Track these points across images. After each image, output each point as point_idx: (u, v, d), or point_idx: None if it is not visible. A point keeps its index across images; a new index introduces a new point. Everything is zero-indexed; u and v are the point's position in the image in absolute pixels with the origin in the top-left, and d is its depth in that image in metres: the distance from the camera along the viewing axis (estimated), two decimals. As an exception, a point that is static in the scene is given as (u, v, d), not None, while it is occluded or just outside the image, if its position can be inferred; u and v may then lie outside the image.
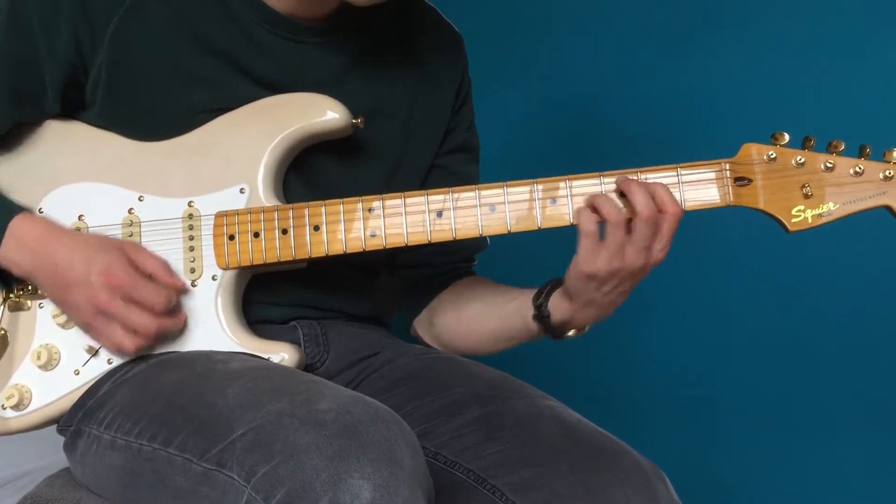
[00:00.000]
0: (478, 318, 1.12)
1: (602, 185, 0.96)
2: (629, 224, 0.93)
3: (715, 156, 0.97)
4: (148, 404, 0.92)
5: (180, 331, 0.99)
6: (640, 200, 0.92)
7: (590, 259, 0.93)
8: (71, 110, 1.05)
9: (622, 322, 1.72)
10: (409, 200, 0.99)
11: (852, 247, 1.42)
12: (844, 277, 1.47)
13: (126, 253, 0.97)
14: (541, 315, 1.02)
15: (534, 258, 1.68)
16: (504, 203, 0.97)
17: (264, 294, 1.05)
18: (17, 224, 0.97)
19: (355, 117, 1.03)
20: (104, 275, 0.94)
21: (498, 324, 1.09)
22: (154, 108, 1.03)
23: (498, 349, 1.13)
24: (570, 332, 1.04)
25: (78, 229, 1.02)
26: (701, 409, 1.64)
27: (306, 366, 1.06)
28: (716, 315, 1.62)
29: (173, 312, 0.98)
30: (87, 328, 0.98)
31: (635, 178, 0.95)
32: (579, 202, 0.96)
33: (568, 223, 0.97)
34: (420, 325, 1.20)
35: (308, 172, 1.06)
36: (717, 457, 1.63)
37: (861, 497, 1.48)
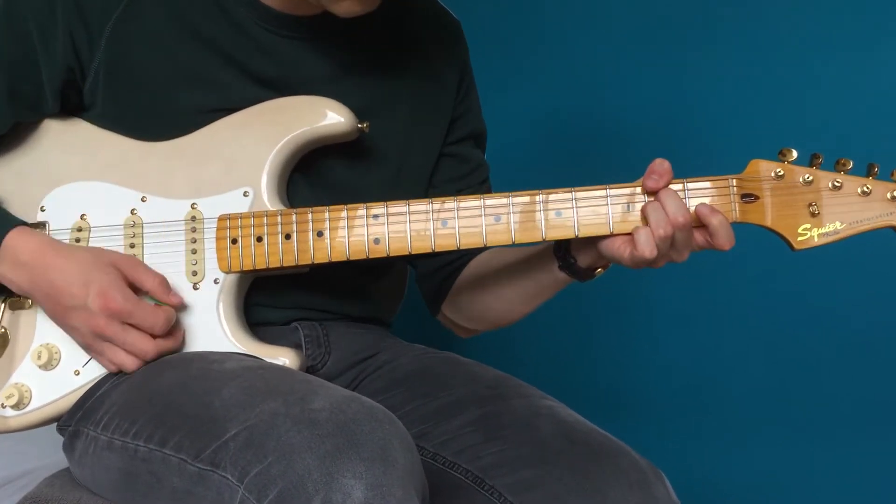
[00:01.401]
0: (503, 282, 1.13)
1: (608, 197, 0.96)
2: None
3: (723, 170, 0.96)
4: (144, 405, 0.92)
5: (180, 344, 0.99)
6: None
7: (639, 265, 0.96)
8: (71, 111, 1.05)
9: (622, 323, 1.73)
10: (413, 207, 0.98)
11: (855, 261, 1.42)
12: (846, 289, 1.47)
13: (123, 272, 0.96)
14: (567, 264, 1.03)
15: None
16: (509, 213, 0.97)
17: (266, 296, 1.05)
18: (12, 240, 0.97)
19: (361, 122, 1.02)
20: (101, 298, 0.93)
21: (524, 282, 1.10)
22: (154, 109, 1.02)
23: (528, 308, 1.13)
24: (598, 271, 1.05)
25: (80, 229, 1.02)
26: (700, 410, 1.64)
27: (308, 367, 1.06)
28: (715, 318, 1.62)
29: (172, 331, 0.97)
30: (87, 349, 0.98)
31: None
32: (584, 214, 0.96)
33: (573, 235, 0.96)
34: (448, 309, 1.21)
35: (314, 174, 1.06)
36: (715, 457, 1.63)
37: (861, 497, 1.49)
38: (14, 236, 0.97)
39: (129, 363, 0.96)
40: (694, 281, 1.63)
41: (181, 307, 0.99)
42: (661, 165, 0.95)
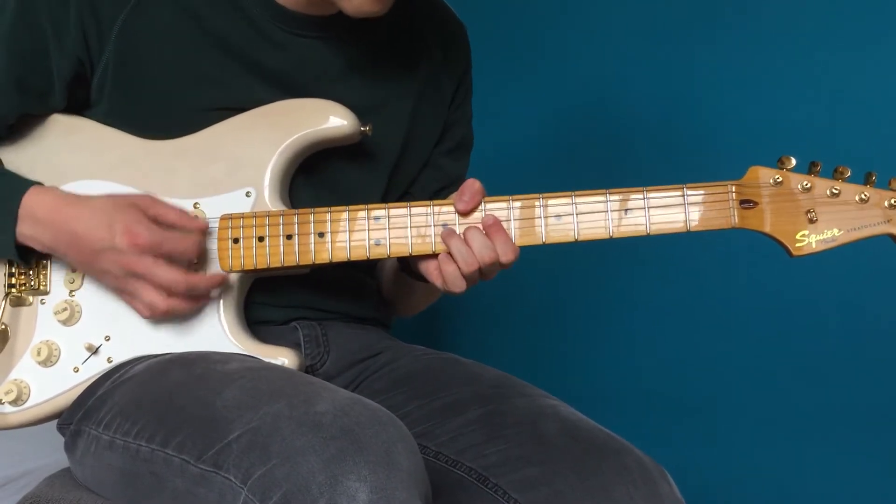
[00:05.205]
0: (395, 287, 1.20)
1: (608, 202, 0.96)
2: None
3: (722, 176, 0.97)
4: (147, 405, 0.92)
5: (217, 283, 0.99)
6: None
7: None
8: (77, 107, 1.05)
9: (625, 322, 1.73)
10: (414, 210, 0.98)
11: (853, 264, 1.43)
12: (844, 292, 1.48)
13: (143, 209, 0.97)
14: (418, 279, 1.06)
15: (536, 269, 1.69)
16: (510, 219, 0.97)
17: (265, 295, 1.05)
18: (28, 200, 0.98)
19: (364, 125, 1.03)
20: (128, 236, 0.94)
21: (407, 288, 1.17)
22: (162, 106, 1.03)
23: (422, 304, 1.23)
24: None
25: None
26: (703, 408, 1.64)
27: (307, 367, 1.06)
28: (719, 318, 1.62)
29: (201, 266, 0.98)
30: (119, 292, 0.99)
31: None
32: (584, 220, 0.96)
33: (572, 239, 0.97)
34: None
35: (316, 173, 1.06)
36: (720, 455, 1.63)
37: (860, 494, 1.49)
38: (30, 196, 0.98)
39: (161, 302, 0.96)
40: (698, 281, 1.64)
41: (207, 232, 1.00)
42: (472, 186, 0.96)
